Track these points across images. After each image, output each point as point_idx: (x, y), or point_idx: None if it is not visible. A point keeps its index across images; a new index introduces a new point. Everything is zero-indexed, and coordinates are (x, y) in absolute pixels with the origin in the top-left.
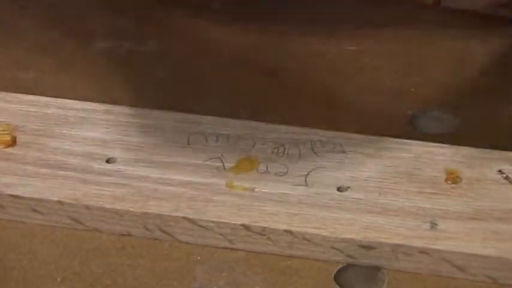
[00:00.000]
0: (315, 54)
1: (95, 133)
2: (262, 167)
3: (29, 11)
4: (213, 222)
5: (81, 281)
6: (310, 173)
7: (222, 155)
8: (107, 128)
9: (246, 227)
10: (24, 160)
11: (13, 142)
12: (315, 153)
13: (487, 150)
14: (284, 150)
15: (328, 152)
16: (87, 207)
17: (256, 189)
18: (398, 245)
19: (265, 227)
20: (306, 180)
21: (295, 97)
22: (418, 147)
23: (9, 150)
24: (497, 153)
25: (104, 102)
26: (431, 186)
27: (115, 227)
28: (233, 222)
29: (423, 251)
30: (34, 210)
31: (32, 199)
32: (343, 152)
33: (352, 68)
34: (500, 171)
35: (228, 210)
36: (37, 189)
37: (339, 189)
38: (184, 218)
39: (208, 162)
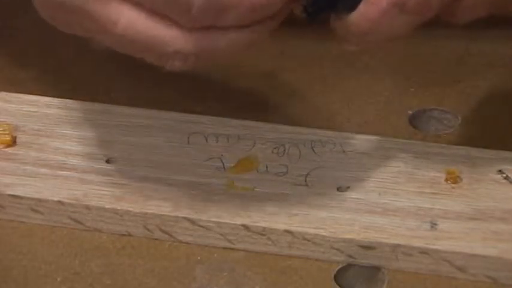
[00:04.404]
0: (315, 54)
1: (95, 133)
2: (262, 167)
3: (29, 11)
4: (213, 222)
5: (81, 281)
6: (310, 173)
7: (222, 155)
8: (106, 128)
9: (246, 227)
10: (24, 160)
11: (13, 142)
12: (315, 153)
13: (487, 150)
14: (284, 150)
15: (328, 152)
16: (87, 207)
17: (256, 189)
18: (398, 245)
19: (265, 227)
20: (306, 180)
21: (295, 97)
22: (418, 147)
23: (9, 150)
24: (497, 153)
25: (104, 102)
26: (431, 186)
27: (115, 227)
28: (233, 222)
29: (423, 251)
30: (34, 210)
31: (32, 199)
32: (343, 152)
33: (352, 68)
34: (500, 171)
35: (228, 210)
36: (37, 189)
37: (339, 189)
38: (184, 218)
39: (208, 162)
